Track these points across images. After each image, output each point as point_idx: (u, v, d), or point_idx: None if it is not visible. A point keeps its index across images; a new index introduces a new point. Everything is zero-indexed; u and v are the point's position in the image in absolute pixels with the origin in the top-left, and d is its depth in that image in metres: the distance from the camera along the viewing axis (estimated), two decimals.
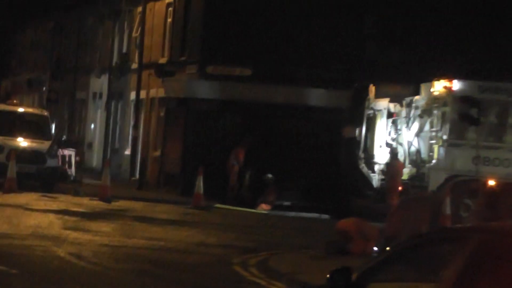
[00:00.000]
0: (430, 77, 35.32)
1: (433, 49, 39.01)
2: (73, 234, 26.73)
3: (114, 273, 21.21)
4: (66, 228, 28.15)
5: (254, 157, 41.98)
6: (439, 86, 34.52)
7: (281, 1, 43.87)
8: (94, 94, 59.30)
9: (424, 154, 35.24)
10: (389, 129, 37.29)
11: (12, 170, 37.65)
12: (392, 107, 37.00)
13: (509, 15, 36.06)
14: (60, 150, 42.81)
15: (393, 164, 35.70)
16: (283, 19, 43.36)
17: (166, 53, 48.40)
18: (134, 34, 52.11)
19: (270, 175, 41.24)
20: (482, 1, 39.93)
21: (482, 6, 39.41)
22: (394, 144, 36.73)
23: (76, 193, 38.72)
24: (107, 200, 36.91)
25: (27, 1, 76.63)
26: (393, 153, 36.14)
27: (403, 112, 36.53)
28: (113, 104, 54.74)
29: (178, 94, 45.47)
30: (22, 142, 40.48)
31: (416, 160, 35.52)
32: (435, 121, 34.99)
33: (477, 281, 8.92)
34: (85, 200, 37.09)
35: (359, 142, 38.56)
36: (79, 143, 54.10)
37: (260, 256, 24.83)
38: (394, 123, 36.93)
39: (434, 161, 34.60)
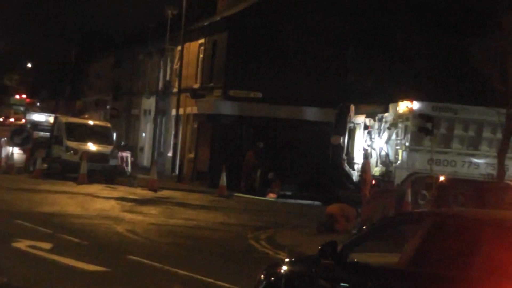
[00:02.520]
0: (396, 99, 34.35)
1: (399, 77, 37.97)
2: (128, 215, 26.49)
3: (159, 245, 20.86)
4: (123, 211, 27.84)
5: (263, 158, 41.47)
6: (403, 106, 33.58)
7: (283, 42, 43.22)
8: (145, 111, 58.89)
9: (391, 157, 34.27)
10: (365, 137, 36.29)
11: (84, 167, 37.54)
12: (367, 121, 36.20)
13: (455, 51, 35.66)
14: (119, 152, 42.25)
15: (366, 164, 34.30)
16: (285, 55, 43.19)
17: (199, 80, 48.36)
18: (175, 66, 51.99)
19: (271, 173, 40.76)
20: (435, 43, 39.33)
21: (435, 47, 39.16)
22: (368, 149, 35.53)
23: (131, 185, 38.42)
24: (154, 190, 36.59)
25: (94, 42, 76.18)
26: (366, 155, 34.99)
27: (376, 125, 35.66)
28: (158, 118, 53.75)
29: (207, 111, 45.54)
30: (91, 146, 40.08)
31: (386, 161, 34.57)
32: (399, 132, 34.04)
33: (431, 251, 8.91)
34: (138, 190, 36.65)
35: (342, 147, 37.66)
36: (133, 147, 53.53)
37: (268, 232, 24.54)
38: (369, 133, 35.95)
39: (399, 162, 33.58)
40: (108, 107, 66.45)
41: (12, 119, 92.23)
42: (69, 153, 39.76)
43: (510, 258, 8.23)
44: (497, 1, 31.60)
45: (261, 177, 41.31)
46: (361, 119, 36.61)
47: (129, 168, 42.54)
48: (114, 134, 43.43)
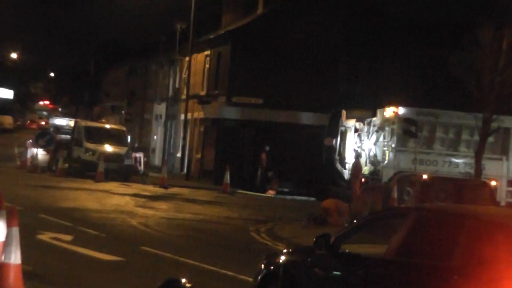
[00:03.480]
0: (383, 105, 34.41)
1: (385, 85, 37.70)
2: (141, 210, 26.30)
3: (169, 237, 20.71)
4: (137, 206, 27.62)
5: (264, 159, 41.63)
6: (389, 111, 33.59)
7: (282, 53, 43.09)
8: (156, 116, 58.84)
9: (379, 157, 34.31)
10: (355, 140, 36.42)
11: (101, 167, 37.62)
12: (357, 125, 36.23)
13: (436, 62, 35.54)
14: (133, 153, 42.18)
15: (356, 163, 34.62)
16: (284, 65, 43.09)
17: (205, 88, 48.23)
18: (183, 75, 51.94)
19: (271, 172, 40.86)
20: (418, 54, 38.89)
21: (418, 58, 38.79)
22: (358, 150, 35.61)
23: (144, 182, 38.31)
24: (165, 187, 36.52)
25: (110, 53, 76.11)
26: (357, 155, 35.13)
27: (365, 128, 35.71)
28: (169, 122, 53.86)
29: (212, 116, 45.47)
30: (108, 148, 39.80)
31: (374, 161, 34.60)
32: (386, 134, 34.13)
33: (415, 243, 8.92)
34: (150, 187, 36.44)
35: (335, 148, 37.61)
36: (146, 148, 53.22)
37: (267, 225, 24.41)
38: (359, 136, 36.07)
39: (386, 161, 33.64)
40: (123, 112, 66.55)
41: (42, 122, 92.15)
42: (88, 154, 39.76)
43: (486, 248, 8.23)
44: (472, 18, 31.71)
45: (261, 176, 41.44)
46: (351, 123, 36.65)
47: (142, 167, 42.48)
48: (129, 137, 43.46)
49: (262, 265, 10.71)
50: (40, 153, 43.26)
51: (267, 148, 41.55)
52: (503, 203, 31.95)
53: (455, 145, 34.14)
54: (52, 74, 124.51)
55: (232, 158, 41.66)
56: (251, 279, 11.19)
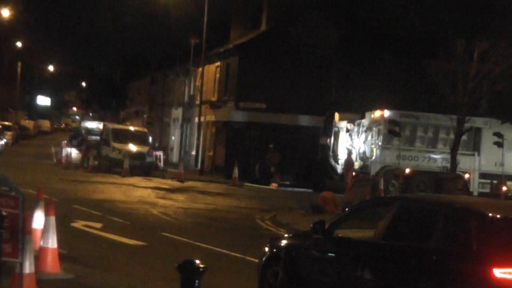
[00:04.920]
0: (371, 108, 33.97)
1: (372, 91, 37.10)
2: (161, 201, 26.24)
3: (185, 224, 20.62)
4: (157, 197, 27.54)
5: (277, 156, 41.07)
6: (376, 113, 33.16)
7: (282, 64, 42.77)
8: (174, 119, 58.27)
9: (368, 154, 33.90)
10: (347, 139, 35.88)
11: (126, 164, 37.59)
12: (349, 126, 35.74)
13: (416, 70, 35.48)
14: (154, 151, 41.87)
15: (348, 159, 34.47)
16: (284, 74, 42.82)
17: (216, 94, 47.98)
18: (197, 83, 51.91)
19: (273, 168, 40.43)
20: (401, 64, 38.15)
21: (401, 67, 37.97)
22: (350, 147, 35.23)
23: (163, 177, 38.12)
24: (181, 180, 36.32)
25: (134, 64, 76.00)
26: (348, 152, 34.91)
27: (355, 129, 35.26)
28: (184, 125, 53.29)
29: (222, 119, 45.24)
30: (132, 147, 39.52)
31: (363, 157, 34.18)
32: (374, 134, 33.70)
33: (399, 228, 8.95)
34: (169, 181, 36.23)
35: (329, 146, 36.98)
36: (165, 147, 53.63)
37: (271, 213, 24.44)
38: (350, 135, 35.57)
39: (373, 157, 33.28)
40: (145, 116, 66.45)
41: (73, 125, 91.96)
42: (115, 152, 39.55)
43: (459, 231, 8.25)
44: (447, 32, 31.68)
45: (259, 170, 40.87)
46: (343, 124, 36.27)
47: (161, 164, 42.45)
48: (150, 137, 43.24)
49: (267, 248, 10.70)
50: (74, 152, 43.41)
51: (271, 145, 40.91)
52: (475, 193, 31.93)
53: (433, 143, 33.90)
54: (84, 84, 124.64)
55: (239, 155, 41.42)
56: (257, 260, 11.15)
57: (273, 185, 39.52)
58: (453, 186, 27.25)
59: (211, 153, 47.31)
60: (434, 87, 29.15)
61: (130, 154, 38.88)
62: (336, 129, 36.71)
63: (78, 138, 44.25)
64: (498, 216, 8.14)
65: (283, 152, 41.60)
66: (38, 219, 12.31)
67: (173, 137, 58.59)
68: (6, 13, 68.17)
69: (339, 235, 9.58)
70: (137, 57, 79.96)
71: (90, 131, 50.07)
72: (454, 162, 29.43)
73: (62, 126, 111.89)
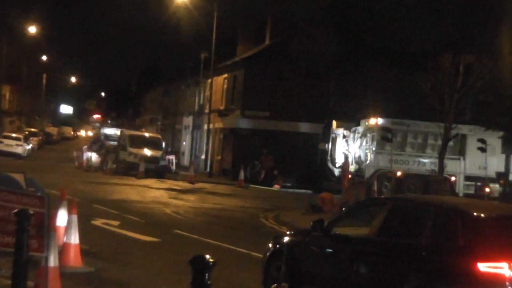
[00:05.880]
0: (366, 116, 33.95)
1: (367, 101, 37.27)
2: (173, 201, 26.16)
3: (195, 222, 20.50)
4: (170, 198, 27.47)
5: (270, 160, 41.23)
6: (371, 121, 33.06)
7: (284, 76, 42.82)
8: (185, 126, 58.29)
9: (362, 158, 33.80)
10: (343, 144, 35.63)
11: (141, 167, 37.63)
12: (345, 132, 35.55)
13: (407, 82, 35.30)
14: (167, 156, 41.60)
15: (344, 163, 34.13)
16: (286, 85, 42.79)
17: (223, 103, 47.99)
18: (206, 94, 51.52)
19: (276, 170, 40.50)
20: (393, 76, 38.37)
21: (393, 79, 38.27)
22: (346, 152, 35.00)
23: (175, 179, 38.17)
24: (192, 182, 36.22)
25: (149, 76, 76.02)
26: (345, 157, 34.72)
27: (351, 135, 35.08)
28: (195, 131, 53.49)
29: (229, 126, 45.42)
30: (147, 151, 39.38)
31: (358, 161, 34.09)
32: (368, 140, 33.64)
33: (391, 226, 8.86)
34: (180, 183, 36.15)
35: (327, 151, 36.78)
36: (177, 152, 53.45)
37: (274, 213, 24.37)
38: (346, 141, 35.40)
39: (368, 161, 33.25)
40: (158, 123, 66.24)
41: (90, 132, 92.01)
42: (131, 156, 39.44)
43: (447, 229, 8.21)
44: (435, 46, 31.67)
45: (250, 171, 40.60)
46: (340, 131, 36.27)
47: (174, 167, 42.46)
48: (163, 143, 43.03)
49: (270, 244, 10.67)
50: (93, 156, 43.30)
51: (265, 150, 40.79)
52: (461, 194, 31.89)
53: (422, 148, 33.86)
54: (103, 94, 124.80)
55: (245, 159, 41.37)
56: (261, 255, 11.14)
57: (276, 187, 39.45)
58: (441, 187, 27.18)
59: (219, 157, 47.29)
60: (423, 97, 29.15)
61: (145, 158, 38.78)
62: (334, 135, 36.71)
63: (98, 143, 44.57)
64: (482, 215, 8.13)
65: (286, 156, 41.57)
66: (62, 217, 12.32)
67: (184, 143, 58.66)
68: (32, 29, 68.51)
69: (337, 232, 9.56)
70: (151, 70, 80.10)
71: (108, 137, 49.91)
72: (441, 165, 29.46)
73: (83, 133, 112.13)
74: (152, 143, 41.06)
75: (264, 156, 40.57)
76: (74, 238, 11.50)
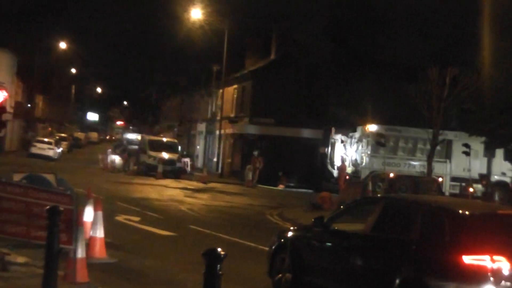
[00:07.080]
0: (361, 123, 33.85)
1: (363, 109, 36.73)
2: (188, 199, 26.15)
3: (208, 218, 20.35)
4: (185, 196, 27.44)
5: (260, 161, 40.14)
6: (366, 128, 32.91)
7: (287, 86, 42.47)
8: (199, 132, 58.04)
9: (358, 161, 33.55)
10: (341, 148, 35.27)
11: (160, 168, 37.63)
12: (343, 138, 35.27)
13: (399, 92, 35.22)
14: (182, 158, 41.87)
15: (342, 165, 34.17)
16: (289, 94, 42.51)
17: (233, 111, 47.74)
18: (218, 102, 51.31)
19: (281, 172, 40.28)
20: (386, 86, 37.79)
21: (386, 89, 37.63)
22: (344, 156, 34.65)
23: (190, 179, 38.04)
24: (205, 182, 36.20)
25: (167, 86, 75.83)
26: (342, 160, 34.49)
27: (348, 140, 34.87)
28: (208, 136, 53.66)
29: (239, 131, 45.29)
30: (165, 155, 39.32)
31: (355, 164, 33.83)
32: (364, 144, 33.39)
33: (384, 222, 8.81)
34: (194, 183, 36.04)
35: (327, 155, 36.54)
36: (191, 155, 53.36)
37: (278, 210, 24.27)
38: (344, 146, 35.05)
39: (363, 164, 33.00)
40: (175, 129, 66.33)
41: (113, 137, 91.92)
42: (150, 159, 39.34)
43: (435, 225, 8.12)
44: (424, 59, 31.57)
45: (253, 173, 39.88)
46: (339, 136, 36.04)
47: (189, 169, 42.44)
48: (179, 147, 42.76)
49: (275, 238, 10.62)
50: (117, 159, 43.43)
51: (255, 153, 39.86)
52: (447, 194, 31.78)
53: (413, 152, 33.69)
54: (125, 103, 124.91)
55: (253, 162, 40.32)
56: (267, 248, 11.07)
57: (281, 187, 39.28)
58: (429, 188, 27.13)
59: (229, 160, 47.12)
60: (413, 106, 29.04)
61: (163, 160, 38.67)
62: (333, 140, 36.52)
63: (121, 147, 44.83)
64: (466, 213, 8.09)
65: (289, 159, 41.36)
66: (88, 214, 12.30)
67: (198, 147, 58.50)
68: (63, 45, 69.00)
69: (335, 228, 9.51)
70: (169, 81, 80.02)
71: (130, 142, 50.05)
72: (430, 168, 29.31)
73: (107, 137, 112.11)
74: (169, 147, 40.92)
75: (255, 158, 39.91)
76: (100, 232, 11.50)
